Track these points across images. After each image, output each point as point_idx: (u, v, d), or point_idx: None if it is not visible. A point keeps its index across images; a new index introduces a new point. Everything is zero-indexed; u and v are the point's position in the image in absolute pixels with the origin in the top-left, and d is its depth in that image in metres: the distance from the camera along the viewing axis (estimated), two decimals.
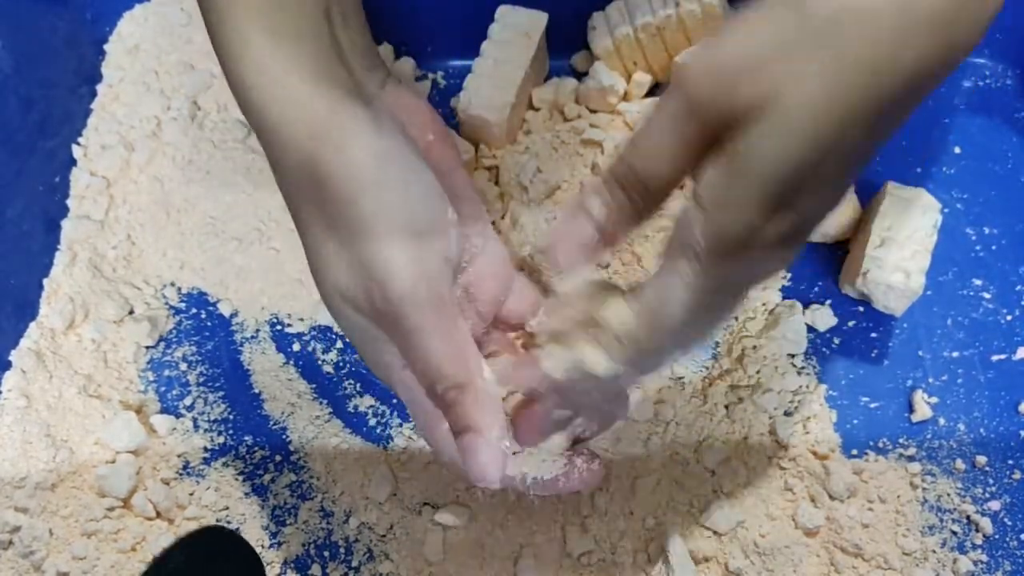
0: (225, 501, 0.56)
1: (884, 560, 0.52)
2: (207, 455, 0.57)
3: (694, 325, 0.33)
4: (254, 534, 0.55)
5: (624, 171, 0.33)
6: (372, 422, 0.58)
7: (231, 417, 0.58)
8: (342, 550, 0.54)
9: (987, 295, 0.60)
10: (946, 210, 0.62)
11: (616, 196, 0.34)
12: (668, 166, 0.32)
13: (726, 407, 0.56)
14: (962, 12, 0.29)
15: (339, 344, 0.60)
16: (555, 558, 0.53)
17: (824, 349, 0.59)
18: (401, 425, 0.57)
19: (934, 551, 0.52)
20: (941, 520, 0.53)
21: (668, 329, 0.33)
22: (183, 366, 0.60)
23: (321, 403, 0.58)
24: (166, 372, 0.60)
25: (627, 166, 0.33)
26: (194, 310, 0.62)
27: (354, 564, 0.54)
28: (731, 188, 0.30)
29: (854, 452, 0.55)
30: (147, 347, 0.61)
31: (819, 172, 0.29)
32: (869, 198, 0.61)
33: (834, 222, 0.59)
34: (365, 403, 0.58)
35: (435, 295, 0.36)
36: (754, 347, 0.57)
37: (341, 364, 0.60)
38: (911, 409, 0.56)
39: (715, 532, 0.53)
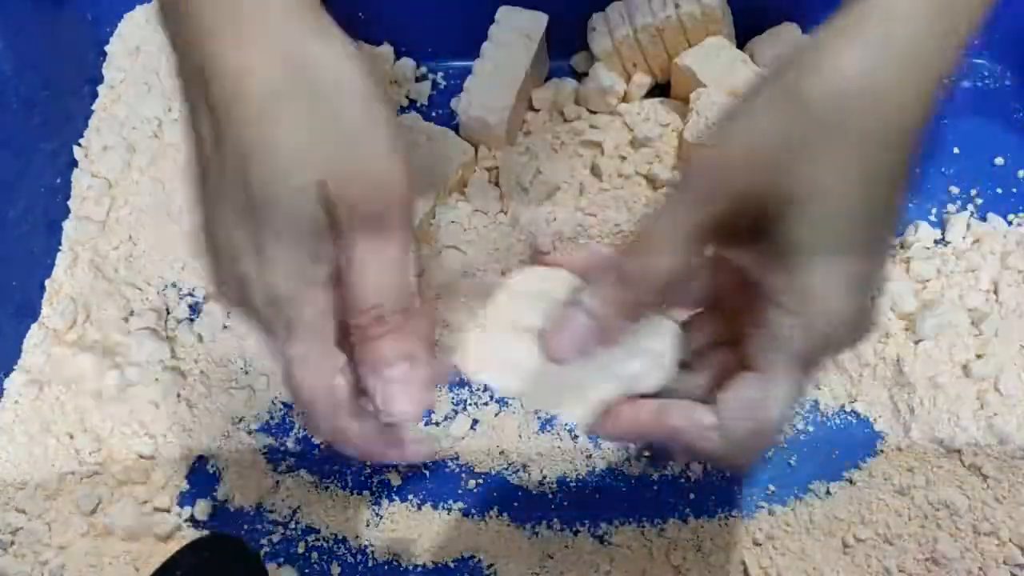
0: (228, 500, 0.56)
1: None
2: (210, 456, 0.57)
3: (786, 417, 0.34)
4: (256, 534, 0.55)
5: (633, 268, 0.33)
6: None
7: (234, 417, 0.58)
8: (344, 550, 0.54)
9: None
10: (944, 210, 0.62)
11: (618, 291, 0.33)
12: (676, 258, 0.32)
13: None
14: (951, 44, 0.30)
15: None
16: (589, 550, 0.53)
17: None
18: None
19: None
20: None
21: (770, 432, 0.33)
22: (185, 366, 0.60)
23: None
24: (168, 372, 0.60)
25: (637, 263, 0.33)
26: (195, 311, 0.62)
27: (353, 563, 0.54)
28: (823, 292, 0.31)
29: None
30: None
31: (875, 244, 0.31)
32: None
33: None
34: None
35: (411, 215, 0.34)
36: None
37: None
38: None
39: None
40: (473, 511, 0.55)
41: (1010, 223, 0.61)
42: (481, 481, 0.55)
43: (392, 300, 0.34)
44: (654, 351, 0.36)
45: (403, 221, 0.34)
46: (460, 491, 0.55)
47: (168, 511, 0.55)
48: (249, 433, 0.58)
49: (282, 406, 0.59)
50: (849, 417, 0.56)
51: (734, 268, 0.34)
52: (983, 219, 0.61)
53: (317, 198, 0.32)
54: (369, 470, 0.56)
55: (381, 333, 0.34)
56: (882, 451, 0.54)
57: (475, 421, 0.57)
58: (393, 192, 0.33)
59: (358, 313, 0.34)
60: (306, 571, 0.54)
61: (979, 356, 0.54)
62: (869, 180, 0.30)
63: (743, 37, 0.66)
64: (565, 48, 0.69)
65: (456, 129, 0.65)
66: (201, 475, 0.57)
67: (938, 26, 0.29)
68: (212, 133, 0.33)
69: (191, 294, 0.63)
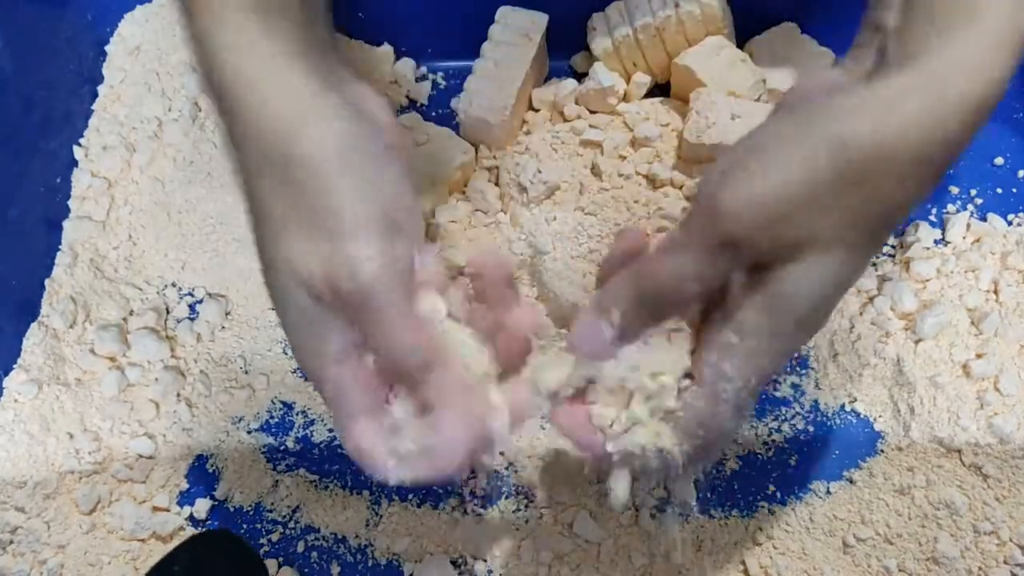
0: (227, 500, 0.56)
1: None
2: (210, 455, 0.57)
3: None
4: (255, 533, 0.55)
5: (650, 289, 0.34)
6: None
7: (234, 416, 0.58)
8: (343, 549, 0.54)
9: None
10: (945, 210, 0.62)
11: (637, 309, 0.34)
12: (693, 287, 0.33)
13: None
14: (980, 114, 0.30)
15: None
16: (589, 549, 0.53)
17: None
18: None
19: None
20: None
21: (724, 433, 0.35)
22: (184, 366, 0.60)
23: (323, 401, 0.58)
24: (168, 372, 0.60)
25: (654, 285, 0.34)
26: (195, 310, 0.62)
27: (353, 563, 0.54)
28: (773, 335, 0.32)
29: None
30: None
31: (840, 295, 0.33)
32: None
33: None
34: None
35: (404, 280, 0.35)
36: None
37: None
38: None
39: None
40: (473, 511, 0.55)
41: (1010, 223, 0.61)
42: (481, 481, 0.55)
43: (408, 359, 0.34)
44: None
45: (396, 296, 0.34)
46: (460, 491, 0.55)
47: (168, 510, 0.55)
48: (249, 433, 0.58)
49: (282, 406, 0.59)
50: (849, 417, 0.56)
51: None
52: (983, 219, 0.61)
53: (303, 288, 0.34)
54: None
55: (418, 382, 0.35)
56: (882, 451, 0.54)
57: None
58: (369, 278, 0.33)
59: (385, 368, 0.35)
60: (306, 571, 0.54)
61: (979, 356, 0.54)
62: (884, 220, 0.31)
63: (743, 37, 0.66)
64: (565, 48, 0.69)
65: (456, 129, 0.65)
66: (201, 474, 0.57)
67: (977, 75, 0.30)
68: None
69: (191, 294, 0.63)
